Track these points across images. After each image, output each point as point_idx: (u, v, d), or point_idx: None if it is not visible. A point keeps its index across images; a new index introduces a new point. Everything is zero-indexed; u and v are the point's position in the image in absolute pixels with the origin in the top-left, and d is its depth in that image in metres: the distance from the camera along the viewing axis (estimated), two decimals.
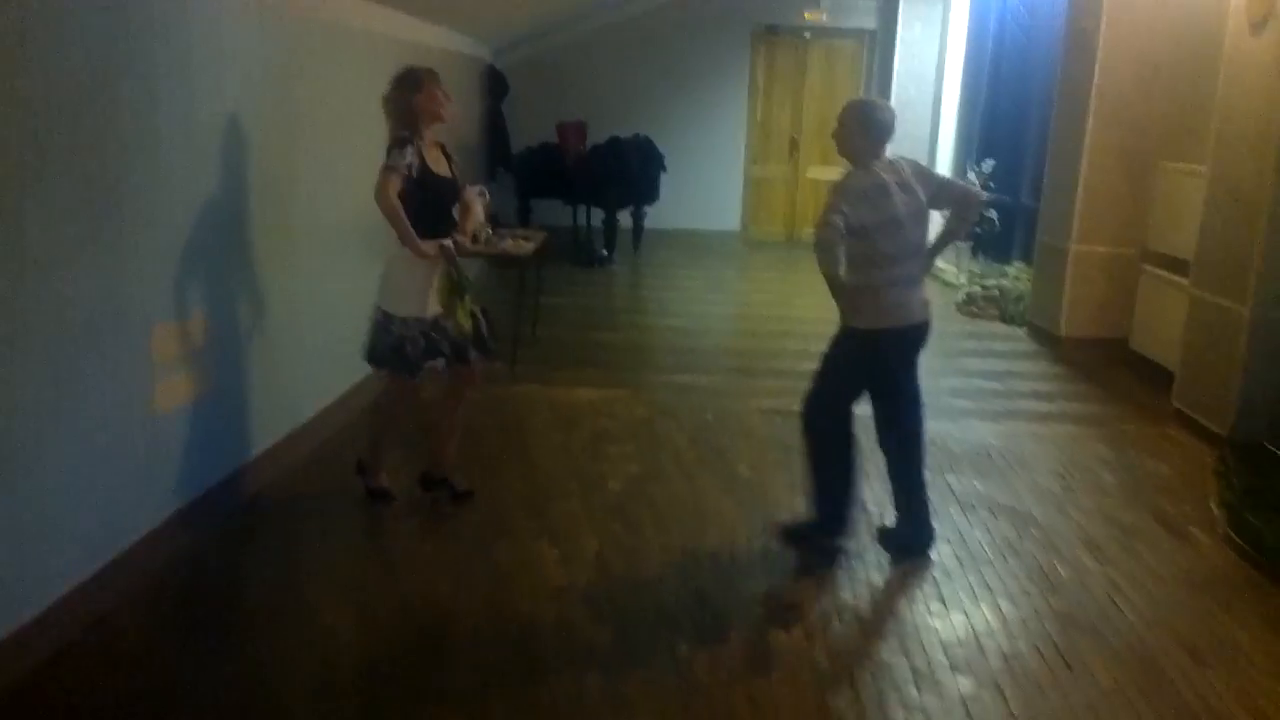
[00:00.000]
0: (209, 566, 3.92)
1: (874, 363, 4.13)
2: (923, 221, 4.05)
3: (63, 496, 3.21)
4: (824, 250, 3.85)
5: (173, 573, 3.79)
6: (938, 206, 4.14)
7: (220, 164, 4.15)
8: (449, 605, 3.69)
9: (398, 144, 4.06)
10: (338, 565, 4.02)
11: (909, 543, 4.27)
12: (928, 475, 4.36)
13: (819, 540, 4.24)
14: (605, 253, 10.85)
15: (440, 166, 4.28)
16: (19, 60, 2.91)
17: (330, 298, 5.26)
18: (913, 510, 4.28)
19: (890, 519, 4.40)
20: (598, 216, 11.19)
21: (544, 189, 11.10)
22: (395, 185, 4.02)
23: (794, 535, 4.29)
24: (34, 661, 3.10)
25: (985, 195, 4.17)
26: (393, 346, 4.24)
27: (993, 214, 9.79)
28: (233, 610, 3.64)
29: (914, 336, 4.13)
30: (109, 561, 3.47)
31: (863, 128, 3.97)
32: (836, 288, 3.97)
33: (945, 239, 4.25)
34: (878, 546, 4.29)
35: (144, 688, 3.10)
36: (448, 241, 4.26)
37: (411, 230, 4.09)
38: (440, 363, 4.39)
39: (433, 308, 4.28)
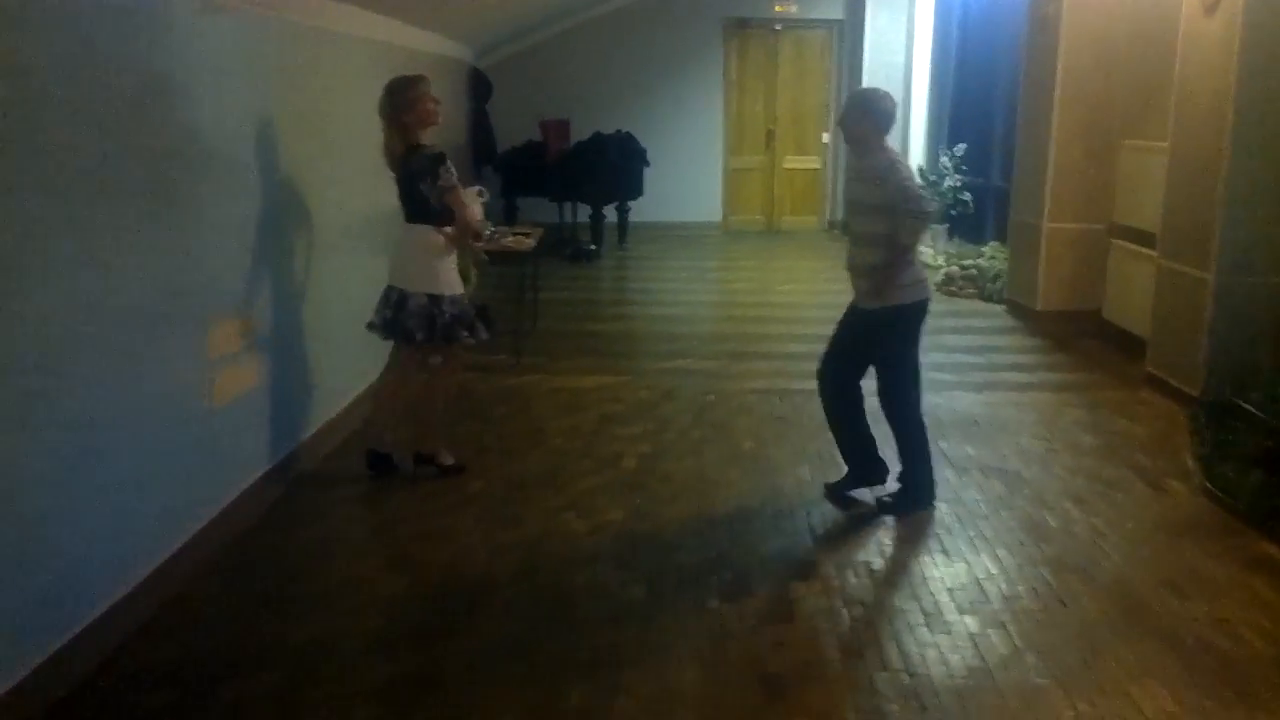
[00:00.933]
0: (269, 544, 4.21)
1: (909, 334, 4.49)
2: None
3: (136, 487, 3.47)
4: (930, 219, 4.30)
5: (235, 552, 4.09)
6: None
7: (257, 168, 4.45)
8: (488, 571, 3.98)
9: (441, 160, 4.49)
10: (382, 538, 4.36)
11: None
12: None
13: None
14: (592, 247, 11.12)
15: None
16: (86, 85, 3.16)
17: (354, 289, 5.54)
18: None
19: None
20: (583, 212, 11.47)
21: (529, 187, 11.34)
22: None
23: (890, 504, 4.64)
24: (122, 635, 3.37)
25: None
26: (447, 324, 4.64)
27: (966, 196, 10.15)
28: (294, 583, 3.90)
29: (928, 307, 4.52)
30: (178, 547, 3.74)
31: (871, 114, 4.33)
32: (904, 261, 4.32)
33: None
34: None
35: (224, 655, 3.38)
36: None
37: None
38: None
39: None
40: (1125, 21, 7.41)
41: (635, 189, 11.65)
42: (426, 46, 8.21)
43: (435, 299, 4.62)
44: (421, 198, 4.54)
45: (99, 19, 3.22)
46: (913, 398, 4.59)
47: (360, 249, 5.76)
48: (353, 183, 5.61)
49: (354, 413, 5.56)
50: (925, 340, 4.67)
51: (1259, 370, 5.24)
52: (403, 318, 4.62)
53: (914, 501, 4.60)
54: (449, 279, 4.68)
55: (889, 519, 4.51)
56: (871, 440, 4.67)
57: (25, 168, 2.87)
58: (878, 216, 4.29)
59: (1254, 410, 4.88)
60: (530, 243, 6.99)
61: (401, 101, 4.49)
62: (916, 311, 4.44)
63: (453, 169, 4.51)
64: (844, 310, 4.62)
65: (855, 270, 4.45)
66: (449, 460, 4.89)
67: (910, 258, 4.37)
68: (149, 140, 3.53)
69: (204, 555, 3.91)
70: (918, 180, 4.29)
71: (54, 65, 2.99)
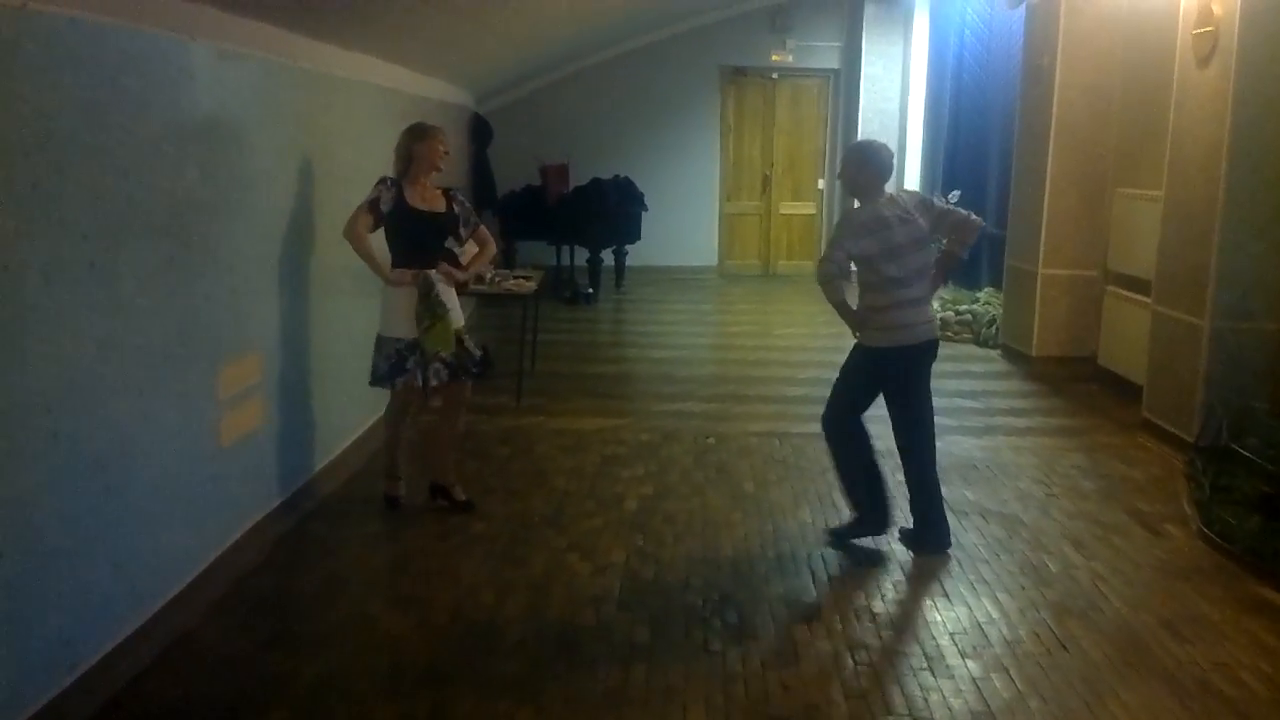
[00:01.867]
0: (275, 582, 4.23)
1: (882, 378, 4.55)
2: (925, 247, 4.51)
3: (145, 524, 3.49)
4: (825, 282, 4.42)
5: (242, 590, 4.10)
6: (938, 234, 4.57)
7: (269, 211, 4.53)
8: (496, 611, 3.99)
9: (379, 183, 4.71)
10: (389, 577, 4.39)
11: (921, 543, 4.64)
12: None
13: (864, 533, 4.66)
14: (590, 290, 11.20)
15: (430, 205, 4.82)
16: (110, 129, 3.22)
17: (359, 330, 5.59)
18: (924, 512, 4.64)
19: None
20: (581, 256, 11.57)
21: (529, 230, 11.46)
22: (361, 219, 4.66)
23: (841, 536, 4.69)
24: (128, 674, 3.37)
25: (982, 222, 4.68)
26: (376, 364, 4.80)
27: None
28: (301, 621, 3.92)
29: (919, 354, 4.54)
30: (184, 585, 3.75)
31: (863, 168, 4.51)
32: (843, 313, 4.50)
33: (943, 262, 4.67)
34: (886, 548, 4.65)
35: (231, 694, 3.39)
36: (431, 271, 4.75)
37: (374, 258, 4.73)
38: (418, 377, 4.76)
39: (414, 330, 4.74)
40: (1118, 72, 7.55)
41: (633, 233, 11.78)
42: (430, 93, 8.33)
43: (379, 339, 4.84)
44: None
45: (123, 65, 3.29)
46: (848, 431, 4.63)
47: (364, 290, 5.81)
48: None
49: (359, 451, 5.61)
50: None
51: (1254, 416, 5.30)
52: None
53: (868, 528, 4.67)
54: (384, 320, 4.80)
55: (891, 563, 4.54)
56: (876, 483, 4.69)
57: (50, 210, 2.92)
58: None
59: (1251, 455, 4.94)
60: (531, 285, 7.07)
61: (419, 133, 4.77)
62: (872, 356, 4.52)
63: (380, 191, 4.68)
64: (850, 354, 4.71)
65: None
66: (462, 496, 4.99)
67: (882, 304, 4.44)
68: (169, 183, 3.59)
69: (211, 593, 3.93)
70: (843, 243, 4.42)
71: (79, 109, 3.06)
